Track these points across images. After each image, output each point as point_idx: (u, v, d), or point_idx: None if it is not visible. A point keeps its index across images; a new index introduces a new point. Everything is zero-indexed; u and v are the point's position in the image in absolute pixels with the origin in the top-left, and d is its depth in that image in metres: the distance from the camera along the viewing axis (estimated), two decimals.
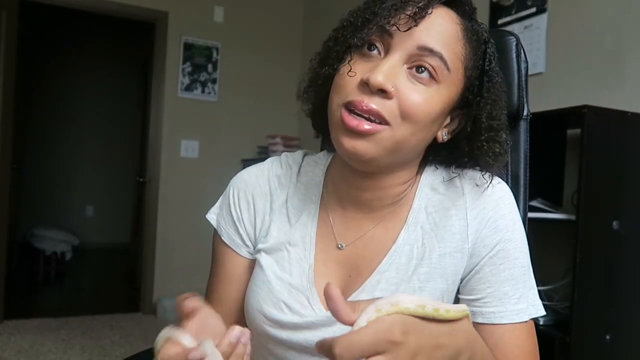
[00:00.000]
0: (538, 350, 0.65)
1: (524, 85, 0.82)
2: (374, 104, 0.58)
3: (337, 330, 0.64)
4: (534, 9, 2.06)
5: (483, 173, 0.67)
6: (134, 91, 5.51)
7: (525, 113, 0.84)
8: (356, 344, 0.40)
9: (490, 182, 0.67)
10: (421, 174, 0.71)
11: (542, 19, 2.02)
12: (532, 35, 2.05)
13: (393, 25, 0.59)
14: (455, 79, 0.62)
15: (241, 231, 0.75)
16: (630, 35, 1.71)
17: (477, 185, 0.67)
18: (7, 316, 3.16)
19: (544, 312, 0.65)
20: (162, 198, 3.56)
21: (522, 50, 0.83)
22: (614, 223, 1.48)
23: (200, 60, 3.62)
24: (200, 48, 3.61)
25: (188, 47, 3.58)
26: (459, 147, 0.68)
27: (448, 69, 0.60)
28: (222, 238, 0.76)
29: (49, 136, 5.71)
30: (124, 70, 5.80)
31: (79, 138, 5.84)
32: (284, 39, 3.89)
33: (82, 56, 5.77)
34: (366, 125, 0.58)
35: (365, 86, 0.58)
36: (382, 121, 0.58)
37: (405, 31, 0.59)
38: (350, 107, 0.59)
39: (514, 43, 0.83)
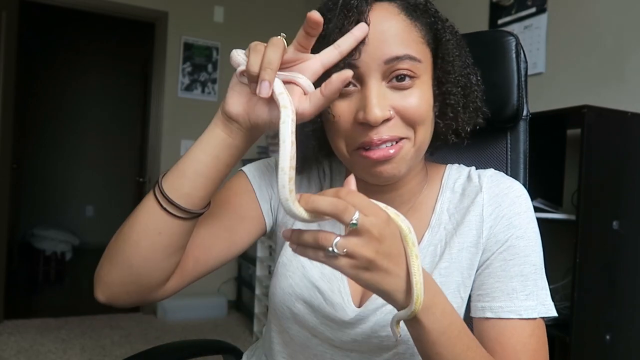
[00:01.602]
0: (546, 352, 0.64)
1: (523, 86, 0.82)
2: (385, 134, 0.60)
3: (365, 328, 0.66)
4: (534, 9, 2.06)
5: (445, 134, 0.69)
6: (134, 91, 5.51)
7: (524, 113, 0.84)
8: (358, 195, 0.48)
9: (509, 182, 0.69)
10: (442, 178, 0.73)
11: (542, 19, 2.02)
12: (532, 35, 2.05)
13: (356, 53, 0.59)
14: (427, 62, 0.63)
15: (275, 189, 0.74)
16: (630, 35, 1.71)
17: (495, 183, 0.69)
18: (7, 316, 3.16)
19: (555, 314, 0.64)
20: None
21: (521, 50, 0.83)
22: (614, 223, 1.48)
23: (200, 60, 3.62)
24: (200, 48, 3.61)
25: (188, 47, 3.58)
26: (442, 112, 0.68)
27: (419, 60, 0.61)
28: (251, 182, 0.74)
29: (49, 136, 5.70)
30: (124, 70, 5.79)
31: (79, 138, 5.83)
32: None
33: (82, 56, 5.77)
34: (391, 150, 0.60)
35: (365, 124, 0.60)
36: (399, 140, 0.61)
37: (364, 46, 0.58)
38: (366, 147, 0.61)
39: (514, 43, 0.83)
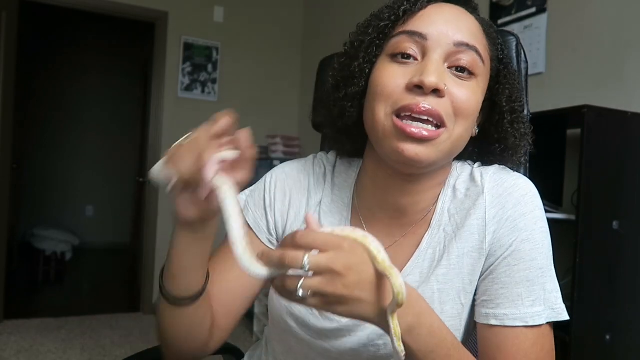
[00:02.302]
0: (552, 358, 0.62)
1: (524, 85, 0.82)
2: (429, 104, 0.58)
3: (362, 335, 0.65)
4: (534, 9, 2.06)
5: (511, 154, 0.69)
6: (134, 91, 5.50)
7: (525, 113, 0.84)
8: (313, 235, 0.48)
9: (513, 180, 0.66)
10: (445, 177, 0.70)
11: (542, 19, 2.02)
12: (532, 35, 2.05)
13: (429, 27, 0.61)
14: (486, 71, 0.64)
15: (269, 217, 0.74)
16: (630, 36, 1.71)
17: (498, 182, 0.66)
18: (7, 316, 3.16)
19: (566, 317, 0.62)
20: (162, 198, 3.56)
21: (522, 51, 0.83)
22: (614, 223, 1.47)
23: (200, 60, 3.62)
24: (200, 48, 3.61)
25: (188, 47, 3.58)
26: (487, 136, 0.69)
27: (483, 61, 0.62)
28: (247, 219, 0.74)
29: (49, 136, 5.70)
30: (124, 70, 5.79)
31: (79, 138, 5.83)
32: (284, 39, 3.89)
33: (82, 56, 5.77)
34: (425, 132, 0.58)
35: (416, 89, 0.58)
36: (440, 123, 0.59)
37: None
38: (404, 113, 0.59)
39: (514, 43, 0.83)
